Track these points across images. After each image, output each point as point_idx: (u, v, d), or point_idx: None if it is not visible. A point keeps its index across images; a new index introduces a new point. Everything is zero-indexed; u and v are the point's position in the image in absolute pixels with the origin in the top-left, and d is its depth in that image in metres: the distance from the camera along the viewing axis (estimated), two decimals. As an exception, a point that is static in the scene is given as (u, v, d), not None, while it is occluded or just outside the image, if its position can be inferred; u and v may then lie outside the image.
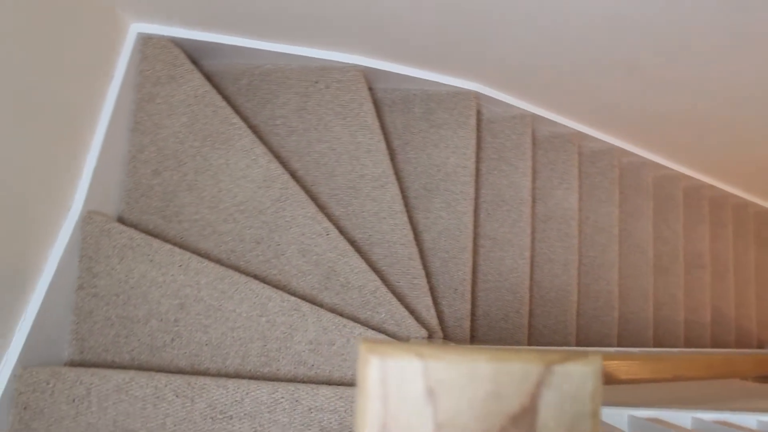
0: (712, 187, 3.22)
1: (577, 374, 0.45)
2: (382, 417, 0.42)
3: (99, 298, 1.52)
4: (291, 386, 1.37)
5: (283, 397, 1.36)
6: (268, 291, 1.53)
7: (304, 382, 1.47)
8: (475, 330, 2.09)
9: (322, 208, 1.77)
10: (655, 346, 2.71)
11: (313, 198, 1.79)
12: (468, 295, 1.95)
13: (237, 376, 1.49)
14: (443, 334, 1.81)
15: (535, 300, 2.30)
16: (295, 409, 1.36)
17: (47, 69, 1.33)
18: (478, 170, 2.16)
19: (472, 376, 0.43)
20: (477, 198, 2.14)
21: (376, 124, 1.88)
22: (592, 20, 1.60)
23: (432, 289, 1.87)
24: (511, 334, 2.11)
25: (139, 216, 1.67)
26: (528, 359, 0.44)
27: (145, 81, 1.72)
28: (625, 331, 2.62)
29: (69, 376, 1.35)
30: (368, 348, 0.43)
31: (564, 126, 2.43)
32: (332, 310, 1.57)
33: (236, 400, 1.35)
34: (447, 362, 0.43)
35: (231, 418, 1.34)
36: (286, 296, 1.53)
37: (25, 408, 1.33)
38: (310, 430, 1.36)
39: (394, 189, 1.83)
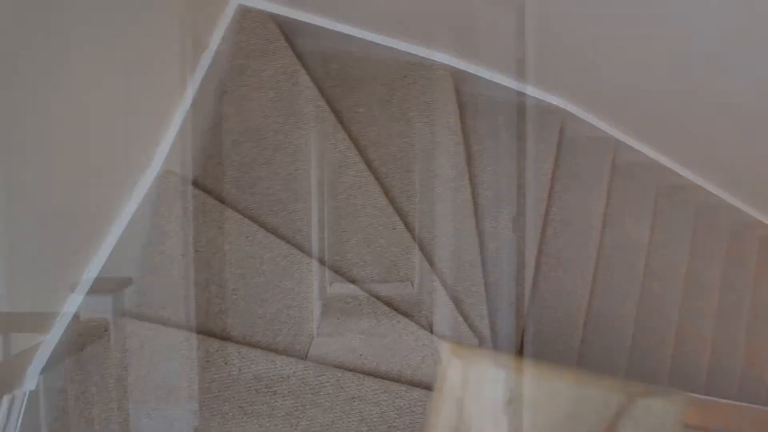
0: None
1: (658, 410, 0.44)
2: (456, 419, 0.41)
3: (165, 256, 1.55)
4: (338, 372, 1.38)
5: (328, 381, 1.37)
6: (328, 275, 1.54)
7: (350, 369, 1.48)
8: (524, 347, 2.06)
9: (392, 201, 1.77)
10: (705, 394, 2.63)
11: (385, 190, 1.79)
12: (523, 311, 1.92)
13: (286, 353, 1.50)
14: (493, 345, 1.79)
15: (589, 326, 2.25)
16: (338, 395, 1.36)
17: (150, 31, 1.36)
18: (552, 187, 2.12)
19: (552, 395, 0.42)
20: (546, 215, 2.11)
21: (458, 127, 1.87)
22: (693, 57, 1.56)
23: (488, 299, 1.85)
24: (559, 356, 2.07)
25: (214, 182, 1.70)
26: (610, 388, 0.43)
27: (239, 52, 1.75)
28: (677, 372, 2.55)
29: (127, 327, 1.39)
30: (452, 350, 0.42)
31: (645, 156, 2.37)
32: (388, 304, 1.57)
33: (282, 377, 1.37)
34: (529, 377, 0.42)
35: (275, 393, 1.36)
36: (345, 283, 1.53)
37: (81, 350, 1.37)
38: (349, 418, 1.36)
39: (465, 193, 1.82)
